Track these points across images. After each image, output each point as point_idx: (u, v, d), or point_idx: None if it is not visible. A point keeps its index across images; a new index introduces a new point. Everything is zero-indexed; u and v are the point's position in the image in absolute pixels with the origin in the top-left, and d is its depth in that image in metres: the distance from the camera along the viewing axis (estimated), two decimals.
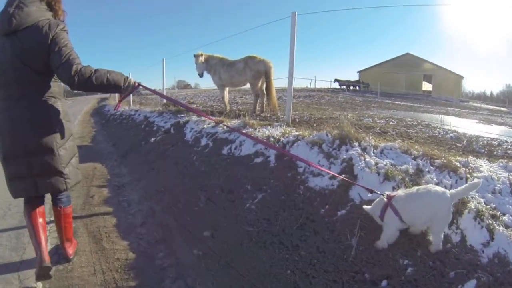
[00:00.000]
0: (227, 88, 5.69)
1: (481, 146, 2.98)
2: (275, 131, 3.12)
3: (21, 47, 1.57)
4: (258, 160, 2.78)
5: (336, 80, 22.15)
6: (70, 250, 2.03)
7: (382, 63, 27.56)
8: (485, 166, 2.05)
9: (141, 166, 4.02)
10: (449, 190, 1.57)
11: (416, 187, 1.61)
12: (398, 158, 2.22)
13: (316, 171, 2.29)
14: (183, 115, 5.15)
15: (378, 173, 2.04)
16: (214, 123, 3.86)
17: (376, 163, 2.12)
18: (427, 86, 26.79)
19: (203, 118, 4.38)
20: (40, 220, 1.75)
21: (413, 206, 1.53)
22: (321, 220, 1.96)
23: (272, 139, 2.93)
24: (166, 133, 4.68)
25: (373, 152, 2.29)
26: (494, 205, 1.68)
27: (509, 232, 1.51)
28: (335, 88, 20.33)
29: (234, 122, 3.81)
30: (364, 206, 1.76)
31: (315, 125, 3.78)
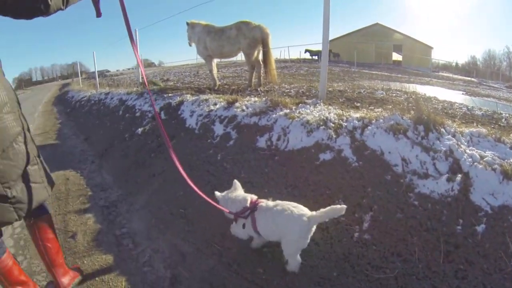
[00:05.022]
0: (215, 60, 5.12)
1: None
2: (325, 113, 2.38)
3: None
4: (327, 156, 2.02)
5: (307, 51, 21.88)
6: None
7: (351, 33, 27.01)
8: None
9: (133, 171, 3.00)
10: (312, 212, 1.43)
11: (274, 203, 1.51)
12: (495, 148, 1.83)
13: (420, 170, 1.75)
14: (171, 94, 4.19)
15: (494, 170, 1.62)
16: (224, 103, 3.07)
17: (481, 156, 1.72)
18: (396, 56, 27.25)
19: (202, 96, 3.53)
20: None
21: (265, 222, 1.48)
22: (465, 242, 1.48)
23: (331, 123, 2.23)
24: (156, 120, 3.83)
25: (465, 141, 1.87)
26: None
27: None
28: (305, 59, 20.12)
29: (254, 101, 3.03)
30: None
31: (356, 103, 3.07)
